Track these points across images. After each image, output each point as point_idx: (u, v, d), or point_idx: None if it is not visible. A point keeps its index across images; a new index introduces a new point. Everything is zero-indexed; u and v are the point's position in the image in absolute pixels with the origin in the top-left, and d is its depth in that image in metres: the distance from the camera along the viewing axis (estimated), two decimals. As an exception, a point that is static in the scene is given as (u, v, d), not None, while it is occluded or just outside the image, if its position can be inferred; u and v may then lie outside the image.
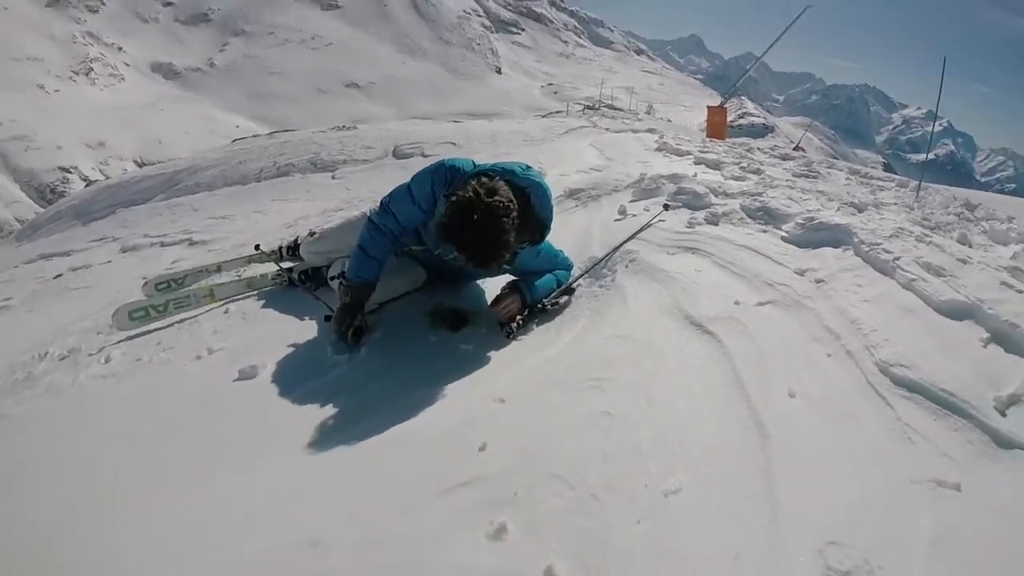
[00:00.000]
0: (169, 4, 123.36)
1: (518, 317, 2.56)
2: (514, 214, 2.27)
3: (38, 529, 1.62)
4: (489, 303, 2.66)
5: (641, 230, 3.41)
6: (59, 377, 2.65)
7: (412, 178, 2.56)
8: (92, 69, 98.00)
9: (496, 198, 2.22)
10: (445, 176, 2.49)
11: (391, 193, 2.61)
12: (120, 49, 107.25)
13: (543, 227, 2.58)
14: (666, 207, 3.78)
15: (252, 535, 1.51)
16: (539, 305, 2.66)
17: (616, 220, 3.82)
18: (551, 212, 2.62)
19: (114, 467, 1.88)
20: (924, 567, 1.36)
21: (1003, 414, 1.91)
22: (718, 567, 1.36)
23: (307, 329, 2.72)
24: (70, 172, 71.90)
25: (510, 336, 2.51)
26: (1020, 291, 2.70)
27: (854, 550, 1.38)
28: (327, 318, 2.62)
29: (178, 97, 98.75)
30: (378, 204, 2.60)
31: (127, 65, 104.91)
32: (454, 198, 2.23)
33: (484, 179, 2.29)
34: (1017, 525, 1.52)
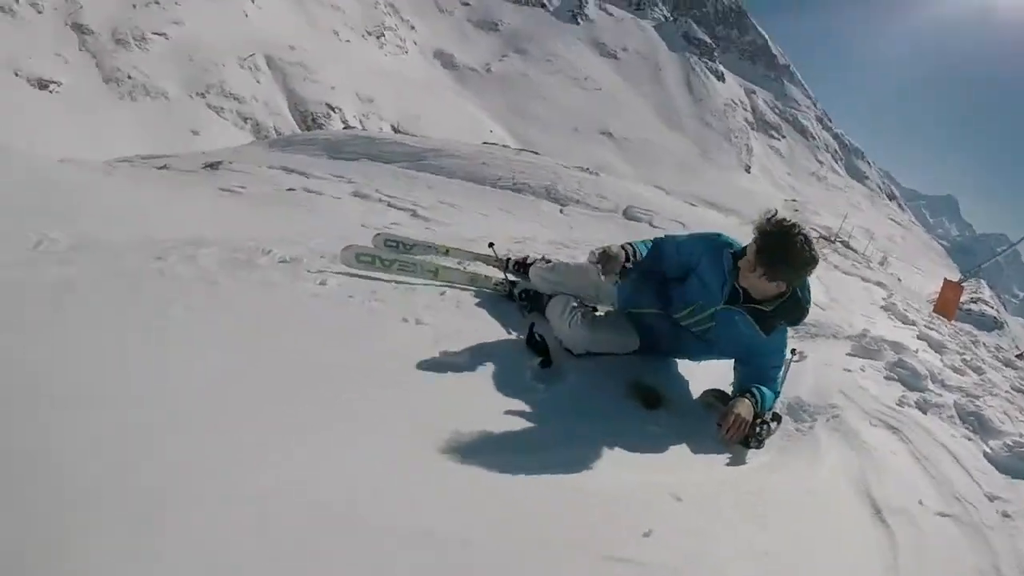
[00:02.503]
0: (467, 4, 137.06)
1: (759, 425, 2.47)
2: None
3: (211, 411, 1.73)
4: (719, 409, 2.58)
5: None
6: (276, 276, 2.91)
7: (687, 235, 2.72)
8: (383, 35, 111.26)
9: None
10: (717, 247, 2.58)
11: (661, 237, 2.78)
12: (412, 28, 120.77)
13: (804, 310, 2.57)
14: None
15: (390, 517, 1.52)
16: (760, 419, 2.51)
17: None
18: (810, 301, 2.60)
19: (293, 387, 1.99)
20: None
21: None
22: None
23: (516, 344, 2.76)
24: (335, 111, 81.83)
25: (760, 445, 2.45)
26: None
27: None
28: (531, 328, 2.71)
29: (449, 87, 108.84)
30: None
31: (415, 44, 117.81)
32: (768, 225, 2.36)
33: None
34: None
